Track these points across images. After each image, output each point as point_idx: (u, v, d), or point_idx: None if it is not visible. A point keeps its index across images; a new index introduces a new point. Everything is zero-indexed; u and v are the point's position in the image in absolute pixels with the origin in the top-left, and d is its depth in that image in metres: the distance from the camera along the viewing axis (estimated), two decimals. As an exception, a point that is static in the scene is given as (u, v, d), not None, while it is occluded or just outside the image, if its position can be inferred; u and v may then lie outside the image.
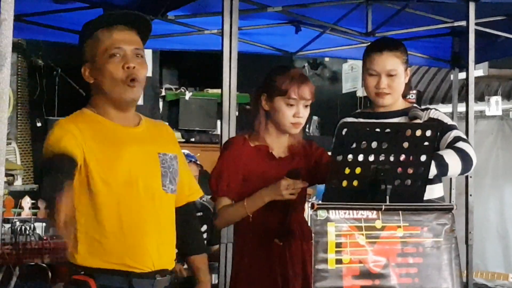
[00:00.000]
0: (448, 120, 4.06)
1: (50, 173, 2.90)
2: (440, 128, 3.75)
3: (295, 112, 3.79)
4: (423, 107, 4.22)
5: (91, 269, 3.04)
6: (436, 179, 4.01)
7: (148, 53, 11.28)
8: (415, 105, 4.14)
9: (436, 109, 4.10)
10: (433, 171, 3.73)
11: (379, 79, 3.97)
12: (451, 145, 3.91)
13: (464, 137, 4.03)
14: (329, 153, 3.65)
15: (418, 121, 3.95)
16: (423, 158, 3.45)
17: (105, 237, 3.03)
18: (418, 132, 3.43)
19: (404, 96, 4.12)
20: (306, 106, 3.82)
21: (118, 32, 3.13)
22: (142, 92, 3.17)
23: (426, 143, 3.43)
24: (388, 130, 3.40)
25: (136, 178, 3.09)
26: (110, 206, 3.04)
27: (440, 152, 3.86)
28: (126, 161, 3.08)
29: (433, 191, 3.99)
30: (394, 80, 3.97)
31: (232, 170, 3.79)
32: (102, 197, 3.04)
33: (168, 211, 3.22)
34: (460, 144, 3.91)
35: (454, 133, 3.97)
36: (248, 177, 3.79)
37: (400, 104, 4.07)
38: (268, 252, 3.80)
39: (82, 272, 3.05)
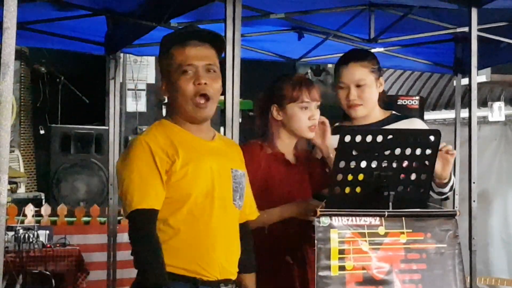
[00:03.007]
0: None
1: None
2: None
3: (310, 115, 3.82)
4: (427, 115, 4.17)
5: None
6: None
7: (151, 60, 11.36)
8: (394, 112, 4.10)
9: (420, 120, 4.06)
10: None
11: (348, 91, 3.96)
12: None
13: None
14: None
15: None
16: (426, 164, 3.45)
17: (179, 243, 3.12)
18: (421, 138, 3.43)
19: (383, 105, 4.09)
20: (317, 107, 3.85)
21: (191, 48, 3.21)
22: (215, 107, 3.25)
23: (428, 149, 3.43)
24: (390, 136, 3.40)
25: (213, 190, 3.18)
26: (187, 214, 3.13)
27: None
28: (206, 172, 3.17)
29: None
30: (364, 91, 3.95)
31: (250, 178, 3.74)
32: (180, 205, 3.12)
33: (236, 225, 3.32)
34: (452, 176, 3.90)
35: None
36: (266, 184, 3.77)
37: (378, 115, 4.03)
38: (279, 267, 3.78)
39: None
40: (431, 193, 3.87)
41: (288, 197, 3.76)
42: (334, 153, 3.81)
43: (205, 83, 3.18)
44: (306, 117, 3.81)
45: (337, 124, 4.14)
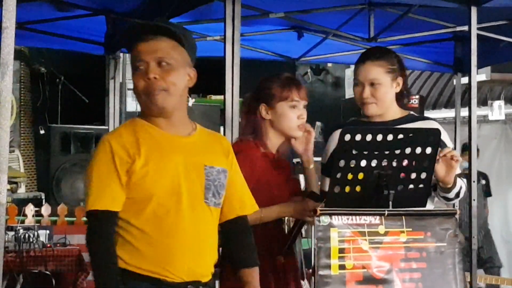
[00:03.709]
0: (448, 142, 3.99)
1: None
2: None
3: (299, 114, 3.83)
4: (427, 114, 4.16)
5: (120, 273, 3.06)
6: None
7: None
8: (411, 112, 4.09)
9: (436, 122, 4.05)
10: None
11: (362, 89, 3.96)
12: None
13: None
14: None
15: None
16: (425, 163, 3.45)
17: (143, 243, 3.05)
18: (421, 137, 3.43)
19: (403, 104, 4.08)
20: (304, 107, 3.86)
21: (142, 44, 3.13)
22: (174, 99, 3.11)
23: (428, 148, 3.43)
24: (390, 135, 3.40)
25: (180, 189, 3.10)
26: (150, 214, 3.06)
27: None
28: (170, 171, 3.09)
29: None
30: (378, 90, 3.94)
31: (245, 176, 3.72)
32: (143, 205, 3.06)
33: (209, 224, 3.21)
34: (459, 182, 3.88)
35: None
36: (259, 183, 3.76)
37: (396, 113, 4.02)
38: (267, 265, 3.77)
39: None
40: (436, 198, 3.86)
41: (278, 197, 3.77)
42: (313, 165, 3.85)
43: (155, 78, 3.08)
44: (295, 116, 3.82)
45: (353, 118, 4.15)
